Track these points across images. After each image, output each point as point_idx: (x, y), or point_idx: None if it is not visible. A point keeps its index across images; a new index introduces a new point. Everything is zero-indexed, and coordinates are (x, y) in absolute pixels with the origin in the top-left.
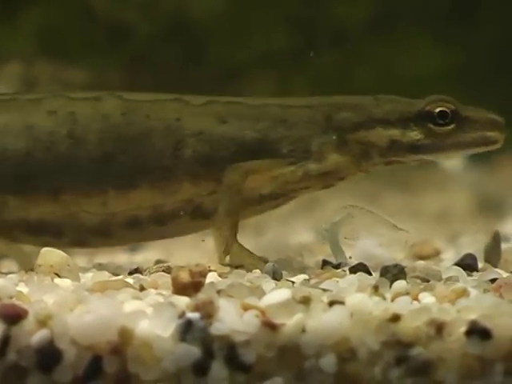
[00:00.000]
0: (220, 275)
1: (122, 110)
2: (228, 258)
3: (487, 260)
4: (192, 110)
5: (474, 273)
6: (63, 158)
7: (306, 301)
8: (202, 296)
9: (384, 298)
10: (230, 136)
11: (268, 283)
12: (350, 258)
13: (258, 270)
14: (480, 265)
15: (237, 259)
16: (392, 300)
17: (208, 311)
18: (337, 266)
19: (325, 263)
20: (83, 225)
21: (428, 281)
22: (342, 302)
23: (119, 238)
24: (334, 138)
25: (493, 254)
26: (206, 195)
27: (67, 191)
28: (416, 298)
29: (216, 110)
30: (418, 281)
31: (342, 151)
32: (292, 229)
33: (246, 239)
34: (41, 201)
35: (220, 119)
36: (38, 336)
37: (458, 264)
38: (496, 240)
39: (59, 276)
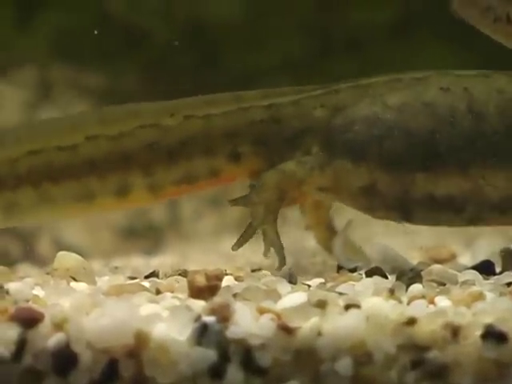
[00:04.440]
0: (236, 279)
1: None
2: None
3: (504, 263)
4: None
5: (491, 276)
6: (468, 133)
7: (321, 304)
8: (217, 299)
9: (400, 302)
10: None
11: (284, 287)
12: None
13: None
14: (498, 269)
15: None
16: (408, 303)
17: (224, 315)
18: (353, 270)
19: (341, 267)
20: (485, 200)
21: (444, 284)
22: (358, 306)
23: None
24: None
25: (509, 257)
26: None
27: (474, 165)
28: (432, 302)
29: None
30: (434, 284)
31: None
32: (308, 232)
33: (262, 242)
34: (449, 176)
35: None
36: (54, 339)
37: (474, 268)
38: None
39: (75, 279)
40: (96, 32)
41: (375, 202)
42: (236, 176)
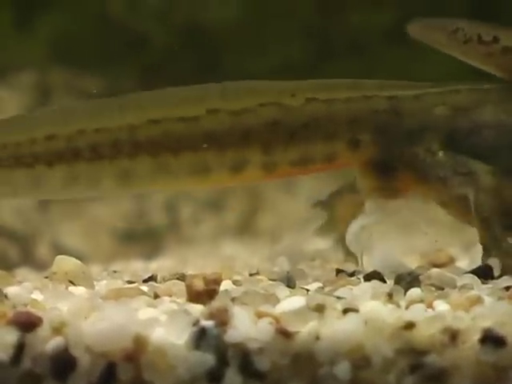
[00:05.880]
0: (234, 283)
1: None
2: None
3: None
4: None
5: (489, 280)
6: None
7: (320, 308)
8: (216, 303)
9: (398, 306)
10: None
11: (282, 291)
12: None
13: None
14: (496, 273)
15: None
16: (406, 308)
17: (222, 319)
18: (351, 274)
19: (339, 271)
20: None
21: (442, 288)
22: (356, 310)
23: None
24: None
25: None
26: None
27: None
28: (430, 306)
29: None
30: (433, 288)
31: None
32: (307, 236)
33: (261, 246)
34: None
35: None
36: (53, 343)
37: (473, 272)
38: None
39: (74, 283)
40: (96, 35)
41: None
42: (350, 163)
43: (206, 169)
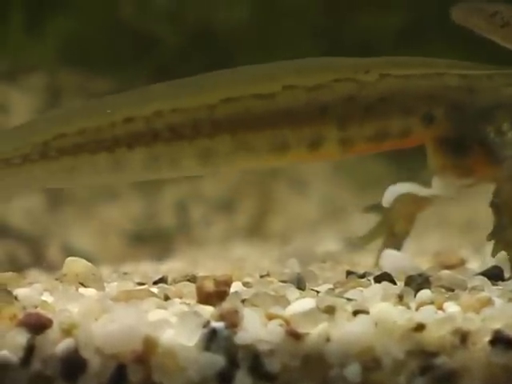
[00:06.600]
0: (244, 284)
1: None
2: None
3: None
4: None
5: (500, 282)
6: None
7: (330, 310)
8: (226, 305)
9: (408, 307)
10: None
11: (292, 292)
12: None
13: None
14: (507, 274)
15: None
16: (416, 309)
17: (232, 320)
18: (362, 276)
19: (349, 273)
20: None
21: (453, 290)
22: (366, 312)
23: None
24: None
25: None
26: None
27: None
28: (441, 308)
29: None
30: (443, 290)
31: None
32: (318, 238)
33: (271, 248)
34: None
35: None
36: (63, 345)
37: (483, 273)
38: None
39: (84, 285)
40: (106, 37)
41: None
42: (422, 139)
43: (284, 146)
